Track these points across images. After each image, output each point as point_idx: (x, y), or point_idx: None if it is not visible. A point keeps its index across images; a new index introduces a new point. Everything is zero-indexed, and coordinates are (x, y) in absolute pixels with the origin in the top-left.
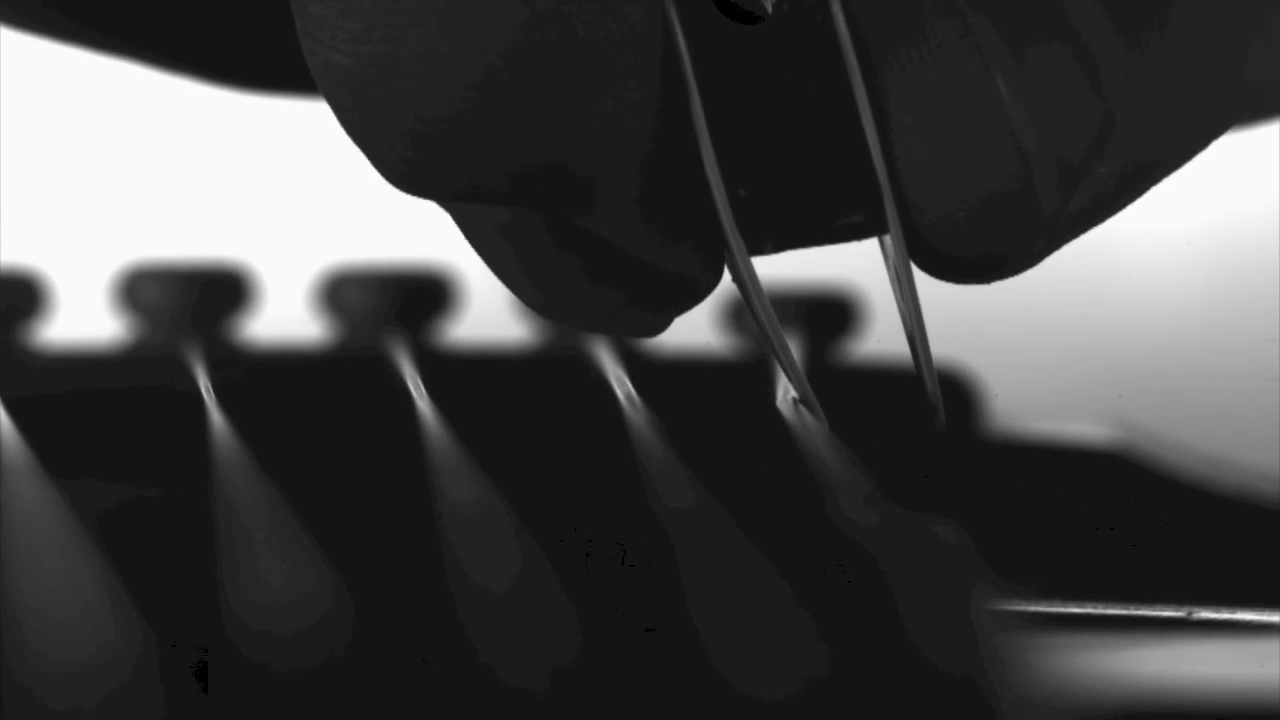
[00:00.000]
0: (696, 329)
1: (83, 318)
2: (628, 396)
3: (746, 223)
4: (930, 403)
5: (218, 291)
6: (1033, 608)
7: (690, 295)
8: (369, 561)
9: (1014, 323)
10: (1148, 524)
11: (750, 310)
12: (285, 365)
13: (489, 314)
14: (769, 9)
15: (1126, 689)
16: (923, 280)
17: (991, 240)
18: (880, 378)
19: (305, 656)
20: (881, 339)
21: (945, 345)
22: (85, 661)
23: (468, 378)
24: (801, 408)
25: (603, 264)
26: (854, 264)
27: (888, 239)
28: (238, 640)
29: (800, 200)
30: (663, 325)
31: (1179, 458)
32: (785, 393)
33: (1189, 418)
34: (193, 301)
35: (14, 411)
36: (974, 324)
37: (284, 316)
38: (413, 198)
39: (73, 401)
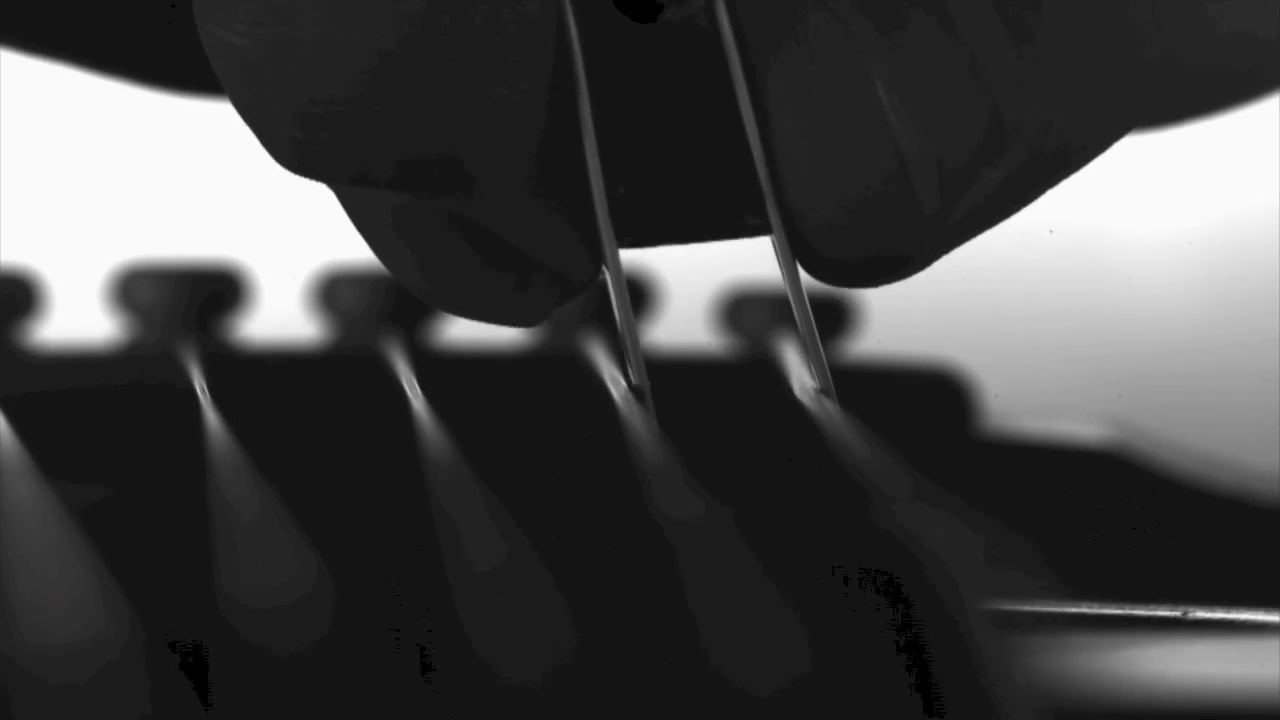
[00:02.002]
0: (696, 329)
1: (78, 317)
2: (624, 397)
3: (634, 219)
4: (825, 393)
5: (213, 291)
6: (1028, 607)
7: (571, 287)
8: (366, 561)
9: (1012, 322)
10: (1143, 524)
11: (613, 307)
12: (280, 365)
13: None
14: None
15: (1121, 689)
16: (923, 280)
17: (872, 243)
18: (880, 378)
19: (296, 646)
20: (881, 339)
21: (944, 345)
22: (75, 646)
23: (462, 378)
24: (821, 398)
25: (489, 252)
26: None
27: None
28: (232, 632)
29: (688, 200)
30: (544, 315)
31: (1175, 457)
32: (800, 382)
33: (1188, 418)
34: (188, 301)
35: (9, 410)
36: (973, 324)
37: (279, 316)
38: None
39: (68, 401)
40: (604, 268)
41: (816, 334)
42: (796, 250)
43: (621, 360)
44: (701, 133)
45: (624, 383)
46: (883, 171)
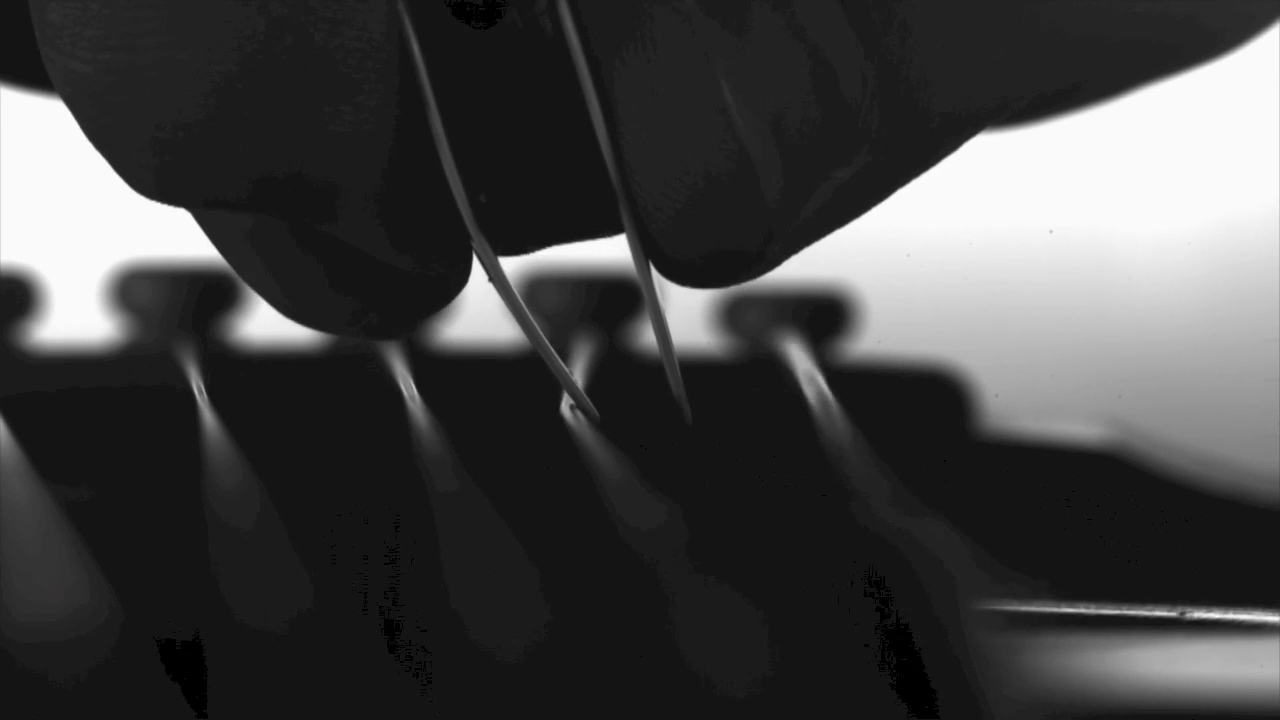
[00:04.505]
0: (693, 330)
1: (76, 317)
2: (572, 409)
3: (501, 225)
4: (676, 402)
5: (211, 292)
6: (1026, 608)
7: (436, 298)
8: (363, 560)
9: (1012, 322)
10: (1141, 524)
11: (512, 313)
12: (278, 365)
13: (483, 314)
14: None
15: (1118, 689)
16: (922, 281)
17: (718, 242)
18: (879, 378)
19: (290, 646)
20: (881, 339)
21: (943, 345)
22: (65, 644)
23: (460, 378)
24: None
25: (346, 267)
26: (853, 264)
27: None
28: (226, 631)
29: (548, 203)
30: (410, 328)
31: (1174, 458)
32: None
33: (1187, 418)
34: (186, 301)
35: (7, 411)
36: (973, 324)
37: (278, 317)
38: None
39: (65, 401)
40: (487, 275)
41: (669, 333)
42: (648, 250)
43: (547, 365)
44: (555, 136)
45: (569, 401)
46: (727, 170)
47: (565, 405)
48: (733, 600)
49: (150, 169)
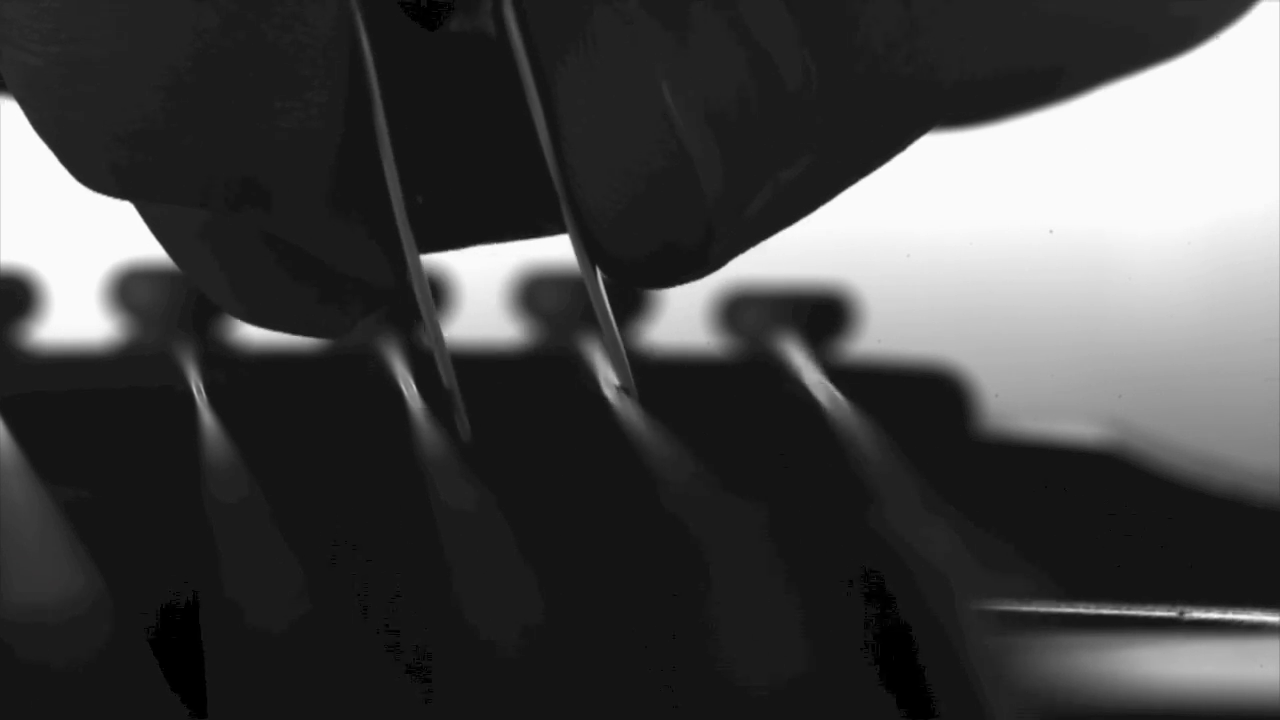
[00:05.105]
0: (693, 330)
1: (76, 317)
2: (619, 397)
3: (434, 226)
4: (626, 390)
5: None
6: (1025, 607)
7: (377, 298)
8: (362, 561)
9: (1012, 322)
10: (1141, 524)
11: (423, 317)
12: (278, 365)
13: (481, 314)
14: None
15: (1118, 689)
16: (922, 281)
17: (660, 242)
18: (879, 378)
19: (289, 645)
20: (881, 339)
21: (943, 345)
22: (62, 647)
23: (460, 378)
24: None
25: (292, 265)
26: (853, 264)
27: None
28: (228, 630)
29: (487, 206)
30: (349, 326)
31: (1173, 458)
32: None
33: (1187, 418)
34: (186, 301)
35: (6, 411)
36: (973, 324)
37: None
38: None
39: (64, 401)
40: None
41: (617, 331)
42: (592, 251)
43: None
44: (497, 138)
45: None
46: (667, 170)
47: (607, 386)
48: (736, 600)
49: (101, 164)
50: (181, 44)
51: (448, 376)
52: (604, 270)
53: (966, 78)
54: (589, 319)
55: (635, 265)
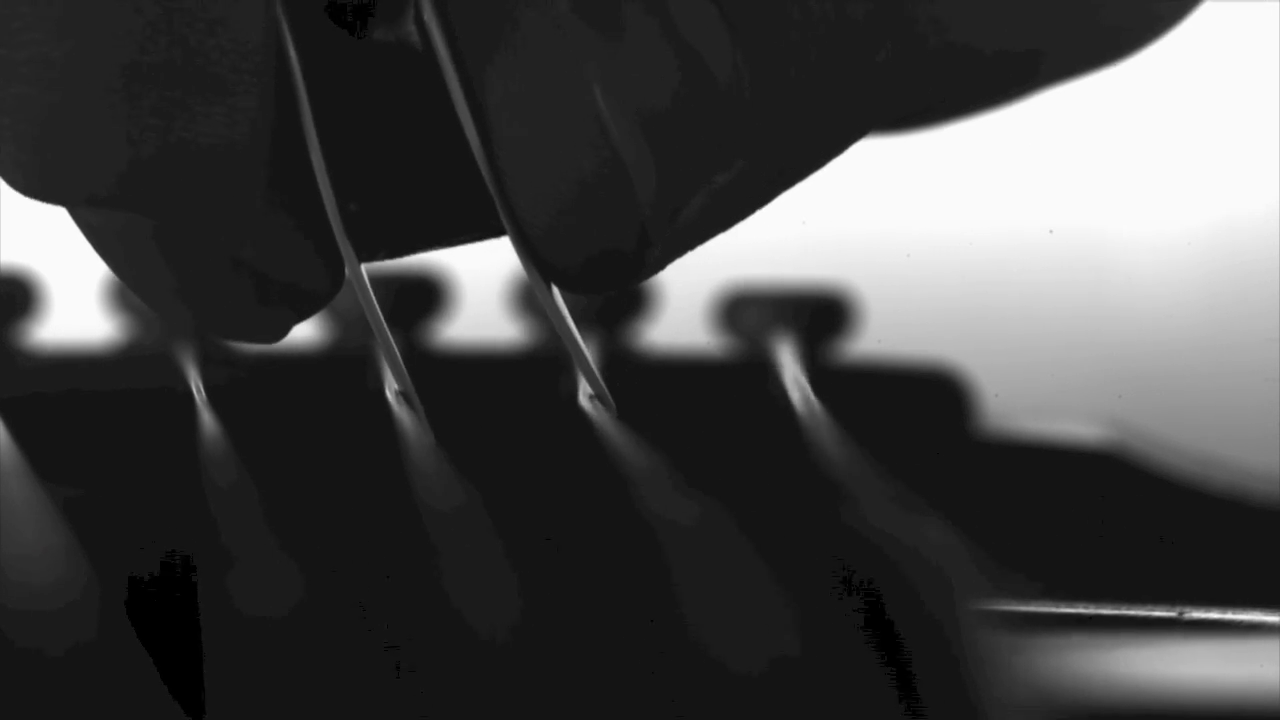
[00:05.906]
0: (693, 330)
1: (76, 318)
2: (593, 405)
3: (370, 233)
4: (599, 396)
5: None
6: (1023, 608)
7: (310, 301)
8: (360, 560)
9: (1012, 322)
10: (1140, 524)
11: (369, 320)
12: (277, 366)
13: (481, 314)
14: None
15: (1116, 689)
16: (922, 281)
17: (595, 248)
18: (879, 378)
19: (287, 644)
20: (881, 339)
21: (943, 345)
22: (61, 647)
23: (459, 378)
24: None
25: (236, 269)
26: (852, 264)
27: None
28: (225, 630)
29: (423, 213)
30: (285, 330)
31: (1173, 458)
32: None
33: (1187, 418)
34: None
35: (6, 411)
36: (972, 324)
37: None
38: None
39: (65, 401)
40: (354, 283)
41: (578, 336)
42: (530, 257)
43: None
44: (432, 145)
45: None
46: (600, 175)
47: (583, 396)
48: (728, 599)
49: (23, 166)
50: (106, 47)
51: (401, 380)
52: (541, 274)
53: (908, 65)
54: (588, 320)
55: (572, 271)
